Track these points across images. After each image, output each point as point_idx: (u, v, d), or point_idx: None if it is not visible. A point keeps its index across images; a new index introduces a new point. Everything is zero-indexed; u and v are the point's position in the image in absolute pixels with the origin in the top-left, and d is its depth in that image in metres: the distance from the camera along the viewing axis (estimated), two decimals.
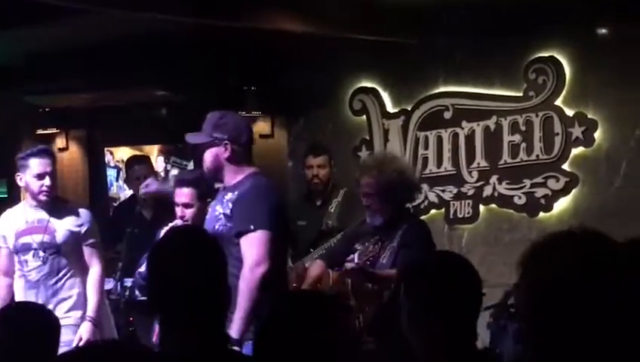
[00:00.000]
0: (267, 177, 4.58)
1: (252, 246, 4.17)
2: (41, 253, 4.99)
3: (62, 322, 4.80)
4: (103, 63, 7.19)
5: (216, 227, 4.30)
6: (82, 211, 5.16)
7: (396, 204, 4.77)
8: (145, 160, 7.01)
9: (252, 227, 4.19)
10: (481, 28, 6.52)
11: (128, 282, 5.29)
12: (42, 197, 4.96)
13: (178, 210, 4.68)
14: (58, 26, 6.31)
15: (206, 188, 4.66)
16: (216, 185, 4.71)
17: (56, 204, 5.06)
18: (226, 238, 4.12)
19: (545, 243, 1.85)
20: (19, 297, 5.04)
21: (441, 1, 6.47)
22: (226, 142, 4.35)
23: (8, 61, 7.63)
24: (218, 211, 4.33)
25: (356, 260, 4.65)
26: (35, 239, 4.99)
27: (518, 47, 6.45)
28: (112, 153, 8.25)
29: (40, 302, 4.89)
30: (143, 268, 4.65)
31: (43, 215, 5.01)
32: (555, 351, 1.73)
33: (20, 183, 5.03)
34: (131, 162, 6.92)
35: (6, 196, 8.17)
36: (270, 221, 4.25)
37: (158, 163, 8.06)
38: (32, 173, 4.92)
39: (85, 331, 4.93)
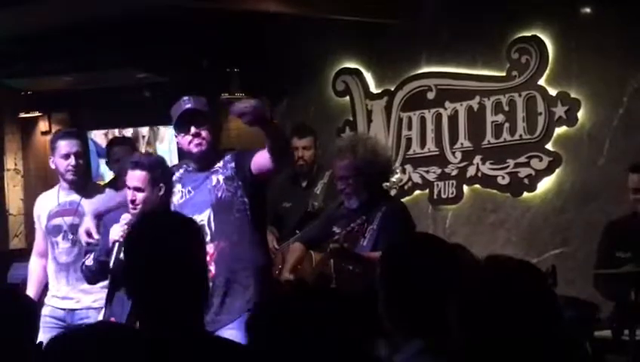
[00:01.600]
0: None
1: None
2: (71, 236, 5.01)
3: (92, 304, 4.89)
4: (85, 45, 7.16)
5: (220, 195, 4.32)
6: (108, 192, 5.16)
7: (371, 185, 4.76)
8: (126, 141, 6.98)
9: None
10: (464, 7, 6.52)
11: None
12: (68, 176, 5.01)
13: (129, 193, 4.45)
14: (38, 7, 6.26)
15: (160, 173, 4.56)
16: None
17: (87, 187, 5.11)
18: (234, 204, 4.28)
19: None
20: (51, 280, 5.08)
21: None
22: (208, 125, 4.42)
23: None
24: (215, 181, 4.33)
25: (341, 240, 4.66)
26: (66, 221, 5.03)
27: (500, 26, 6.45)
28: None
29: (70, 282, 4.96)
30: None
31: (75, 197, 5.05)
32: None
33: (52, 166, 5.09)
34: (112, 144, 6.90)
35: None
36: None
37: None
38: (59, 153, 5.00)
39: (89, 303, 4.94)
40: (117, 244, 4.36)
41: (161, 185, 4.49)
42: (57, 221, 5.08)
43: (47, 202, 5.16)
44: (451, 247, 2.61)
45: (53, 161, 5.06)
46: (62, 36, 7.06)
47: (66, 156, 4.99)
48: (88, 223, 4.59)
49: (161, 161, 4.66)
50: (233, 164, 4.35)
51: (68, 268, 5.04)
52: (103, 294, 4.89)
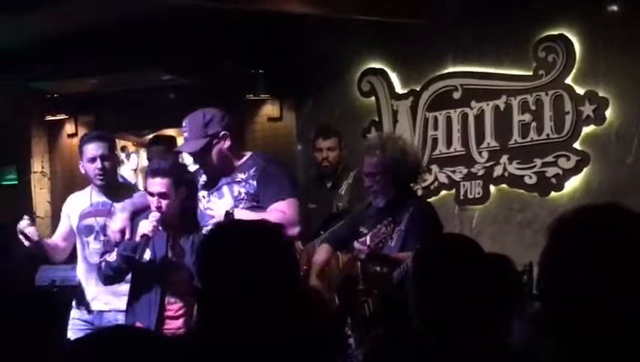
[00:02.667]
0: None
1: (285, 212, 4.29)
2: (102, 236, 4.96)
3: (121, 307, 4.80)
4: (110, 48, 7.18)
5: (240, 207, 4.32)
6: (139, 194, 5.07)
7: (399, 184, 4.73)
8: (163, 141, 6.98)
9: (282, 196, 4.34)
10: (490, 6, 6.48)
11: None
12: (97, 181, 4.98)
13: (153, 201, 4.44)
14: (64, 10, 6.29)
15: (181, 177, 4.56)
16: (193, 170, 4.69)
17: (120, 189, 5.06)
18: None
19: (576, 212, 1.85)
20: (81, 279, 5.04)
21: None
22: (223, 132, 4.40)
23: (15, 47, 7.62)
24: (236, 192, 4.33)
25: (368, 242, 4.62)
26: (99, 221, 4.99)
27: (527, 25, 6.40)
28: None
29: (99, 285, 4.89)
30: (111, 258, 4.57)
31: (108, 198, 5.03)
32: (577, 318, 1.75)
33: (82, 170, 5.07)
34: (151, 143, 6.95)
35: (16, 182, 8.21)
36: (295, 191, 4.46)
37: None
38: (86, 157, 4.98)
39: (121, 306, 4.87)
40: (145, 239, 4.37)
41: (183, 188, 4.49)
42: (89, 221, 5.05)
43: (80, 202, 5.13)
44: (479, 248, 2.59)
45: (82, 166, 5.05)
46: (87, 38, 7.08)
47: (92, 160, 4.96)
48: (124, 222, 4.58)
49: (180, 165, 4.67)
50: (255, 183, 4.35)
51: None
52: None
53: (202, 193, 4.52)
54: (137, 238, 4.39)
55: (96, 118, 8.37)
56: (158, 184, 4.43)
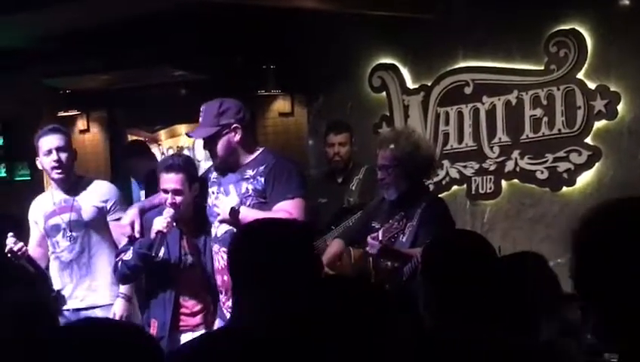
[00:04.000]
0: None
1: (290, 212, 4.25)
2: (70, 233, 4.94)
3: (97, 302, 4.86)
4: (122, 44, 7.20)
5: (247, 203, 4.32)
6: (107, 186, 5.11)
7: (412, 178, 4.73)
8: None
9: (290, 195, 4.29)
10: (501, 1, 6.46)
11: None
12: (55, 175, 4.91)
13: (167, 197, 4.42)
14: (76, 7, 6.30)
15: (193, 173, 4.54)
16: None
17: (80, 183, 5.02)
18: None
19: (598, 210, 1.87)
20: (55, 279, 5.01)
21: None
22: (235, 125, 4.38)
23: (27, 44, 7.65)
24: (244, 189, 4.33)
25: (380, 237, 4.62)
26: (64, 218, 4.95)
27: (538, 20, 6.39)
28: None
29: (74, 280, 4.92)
30: (127, 256, 4.55)
31: (67, 195, 4.98)
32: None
33: (39, 166, 5.02)
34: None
35: (29, 178, 8.23)
36: (304, 191, 4.39)
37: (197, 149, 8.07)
38: (42, 151, 4.90)
39: (119, 308, 4.85)
40: (160, 236, 4.37)
41: (196, 185, 4.50)
42: (55, 220, 5.00)
43: (42, 204, 5.08)
44: (488, 243, 2.59)
45: (39, 161, 4.96)
46: (99, 35, 7.11)
47: (48, 152, 4.87)
48: (134, 217, 4.58)
49: (191, 161, 4.67)
50: (263, 180, 4.34)
51: (71, 265, 4.97)
52: (109, 291, 4.91)
53: (212, 189, 4.52)
54: (152, 235, 4.39)
55: (108, 114, 8.40)
56: (173, 180, 4.42)
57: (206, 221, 4.53)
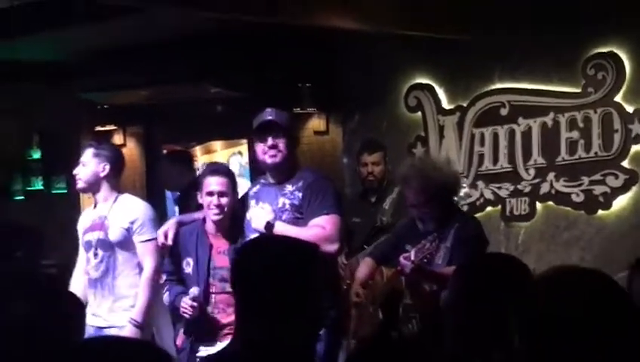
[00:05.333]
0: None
1: (325, 228, 4.27)
2: (98, 251, 4.96)
3: (116, 323, 4.84)
4: (160, 60, 7.27)
5: (283, 218, 4.33)
6: (137, 206, 5.05)
7: (443, 204, 4.73)
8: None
9: (325, 211, 4.32)
10: (538, 23, 6.44)
11: None
12: (78, 185, 5.05)
13: (212, 200, 4.47)
14: (116, 23, 6.38)
15: (235, 180, 4.59)
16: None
17: (115, 200, 5.02)
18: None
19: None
20: (80, 294, 4.93)
21: None
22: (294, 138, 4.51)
23: (67, 58, 7.75)
24: (281, 203, 4.35)
25: (412, 257, 4.61)
26: (94, 236, 4.99)
27: (576, 42, 6.35)
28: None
29: (97, 299, 4.94)
30: (165, 295, 4.65)
31: (103, 212, 4.99)
32: None
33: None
34: None
35: (65, 191, 8.32)
36: (340, 208, 4.43)
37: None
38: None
39: (126, 333, 4.77)
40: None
41: (237, 193, 4.57)
42: (88, 237, 5.05)
43: (84, 218, 5.14)
44: (524, 267, 2.56)
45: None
46: (138, 51, 7.18)
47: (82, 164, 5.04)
48: (169, 226, 4.62)
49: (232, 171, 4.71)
50: (301, 195, 4.35)
51: (96, 284, 4.98)
52: (127, 314, 4.91)
53: (251, 202, 4.54)
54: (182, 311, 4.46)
55: (144, 130, 8.47)
56: (219, 183, 4.49)
57: (241, 234, 4.55)
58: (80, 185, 5.06)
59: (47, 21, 6.34)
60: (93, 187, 5.04)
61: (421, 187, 4.66)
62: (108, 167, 5.01)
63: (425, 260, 4.58)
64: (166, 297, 4.61)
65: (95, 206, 5.07)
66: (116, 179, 5.08)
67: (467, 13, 6.45)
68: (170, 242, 4.57)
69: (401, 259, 4.64)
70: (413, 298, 4.77)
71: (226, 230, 4.56)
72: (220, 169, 4.61)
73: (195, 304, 4.41)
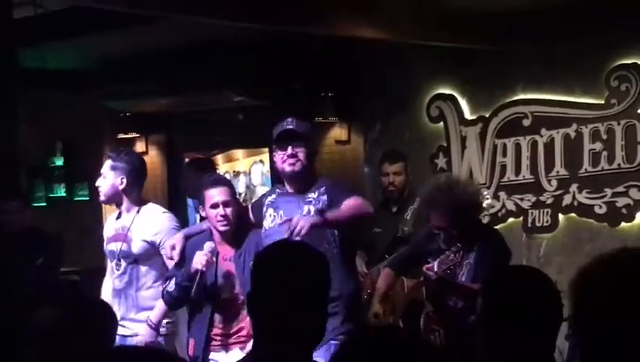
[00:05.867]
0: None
1: (357, 202, 4.28)
2: (121, 262, 4.93)
3: (140, 331, 4.80)
4: (182, 69, 7.30)
5: None
6: (161, 218, 4.98)
7: (468, 224, 4.75)
8: None
9: (351, 194, 4.33)
10: (562, 34, 6.42)
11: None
12: (100, 197, 5.02)
13: (218, 211, 4.48)
14: (138, 32, 6.41)
15: (234, 189, 4.61)
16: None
17: (139, 210, 4.96)
18: (323, 236, 4.25)
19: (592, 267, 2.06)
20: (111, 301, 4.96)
21: (520, 7, 6.39)
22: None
23: (90, 66, 7.80)
24: (306, 211, 4.34)
25: (435, 268, 4.60)
26: (117, 247, 4.95)
27: (599, 53, 6.32)
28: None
29: (121, 309, 4.89)
30: (170, 286, 4.59)
31: (127, 222, 4.94)
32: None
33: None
34: None
35: (88, 198, 8.35)
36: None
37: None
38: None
39: (143, 332, 4.80)
40: (199, 273, 4.41)
41: (239, 200, 4.57)
42: (111, 246, 5.01)
43: (109, 226, 5.10)
44: (550, 280, 2.55)
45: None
46: (160, 59, 7.21)
47: (102, 177, 4.99)
48: (176, 240, 4.61)
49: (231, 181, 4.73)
50: (325, 198, 4.35)
51: (120, 294, 4.96)
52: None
53: (269, 212, 4.53)
54: (192, 269, 4.44)
55: (166, 138, 8.49)
56: (221, 193, 4.50)
57: (244, 238, 4.56)
58: (101, 197, 5.05)
59: (71, 29, 6.38)
60: (113, 199, 5.01)
61: (449, 211, 4.66)
62: (125, 180, 4.94)
63: (448, 271, 4.57)
64: (172, 284, 4.58)
65: (119, 215, 5.04)
66: (137, 189, 5.00)
67: (490, 24, 6.43)
68: (176, 258, 4.58)
69: (424, 269, 4.63)
70: (437, 312, 4.76)
71: (230, 237, 4.58)
72: (219, 179, 4.64)
73: (209, 255, 4.42)
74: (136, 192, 4.99)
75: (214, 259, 4.48)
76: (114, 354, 1.85)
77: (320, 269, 2.41)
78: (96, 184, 5.02)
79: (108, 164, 4.99)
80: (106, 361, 1.81)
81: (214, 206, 4.51)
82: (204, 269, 4.40)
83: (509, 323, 2.40)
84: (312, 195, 4.39)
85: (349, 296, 4.34)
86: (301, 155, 4.37)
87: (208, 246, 4.46)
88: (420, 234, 5.30)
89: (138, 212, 4.96)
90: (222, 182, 4.60)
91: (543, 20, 6.44)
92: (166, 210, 5.15)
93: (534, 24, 6.52)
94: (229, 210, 4.50)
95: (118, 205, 5.03)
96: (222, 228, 4.51)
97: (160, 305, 4.78)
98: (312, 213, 4.33)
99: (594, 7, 6.12)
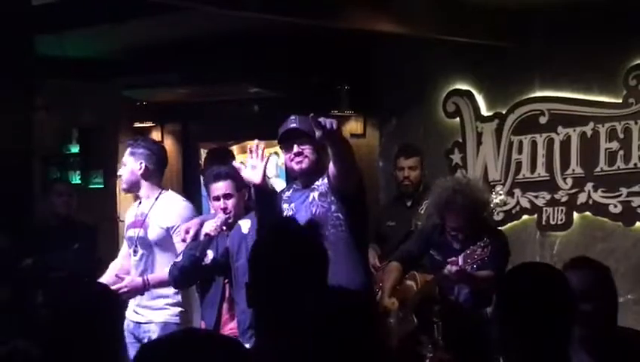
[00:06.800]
0: None
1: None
2: (138, 248, 4.97)
3: (160, 319, 4.89)
4: (199, 59, 7.30)
5: (315, 212, 4.32)
6: (178, 205, 5.01)
7: (479, 222, 4.94)
8: None
9: None
10: (580, 32, 6.39)
11: None
12: (122, 185, 5.06)
13: (219, 204, 4.63)
14: (156, 21, 6.42)
15: (240, 179, 4.62)
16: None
17: (159, 197, 4.99)
18: (328, 219, 4.25)
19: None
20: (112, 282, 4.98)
21: (538, 4, 6.37)
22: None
23: (107, 55, 7.82)
24: (311, 198, 4.34)
25: (460, 263, 4.65)
26: (135, 233, 4.99)
27: (618, 52, 6.30)
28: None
29: (136, 298, 4.95)
30: (178, 258, 4.65)
31: (146, 208, 4.97)
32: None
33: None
34: None
35: (102, 186, 8.39)
36: None
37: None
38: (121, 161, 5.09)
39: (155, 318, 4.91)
40: (207, 238, 4.49)
41: (245, 190, 4.62)
42: (130, 233, 5.06)
43: (129, 213, 5.15)
44: (564, 277, 2.57)
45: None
46: (176, 49, 7.22)
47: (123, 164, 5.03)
48: (192, 225, 4.66)
49: (236, 169, 4.71)
50: (326, 180, 4.35)
51: None
52: (166, 311, 4.95)
53: (284, 206, 4.53)
54: (201, 237, 4.55)
55: (182, 127, 8.51)
56: (222, 187, 4.66)
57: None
58: (123, 186, 5.06)
59: (91, 18, 6.39)
60: (135, 186, 5.03)
61: (467, 212, 4.84)
62: (144, 165, 4.98)
63: (474, 266, 4.63)
64: (180, 256, 4.63)
65: (140, 202, 5.08)
66: (157, 175, 5.04)
67: (508, 20, 6.41)
68: (189, 239, 4.63)
69: (449, 267, 4.67)
70: (442, 305, 4.82)
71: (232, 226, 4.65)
72: (221, 173, 4.70)
73: (221, 223, 4.52)
74: (155, 179, 5.04)
75: (224, 229, 4.56)
76: (174, 339, 1.84)
77: (315, 254, 2.43)
78: (118, 173, 5.05)
79: (127, 151, 5.03)
80: (166, 348, 1.80)
81: (216, 198, 4.68)
82: (213, 234, 4.50)
83: (524, 318, 2.42)
84: (317, 183, 4.40)
85: (359, 287, 4.31)
86: (307, 152, 4.36)
87: (220, 217, 4.58)
88: (426, 228, 5.34)
89: (157, 198, 4.99)
90: (222, 176, 4.69)
91: (561, 17, 6.42)
92: (185, 200, 5.17)
93: (552, 21, 6.49)
94: (230, 202, 4.64)
95: (138, 193, 5.05)
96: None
97: (163, 275, 4.82)
98: (316, 198, 4.33)
99: (613, 6, 6.09)
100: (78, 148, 8.55)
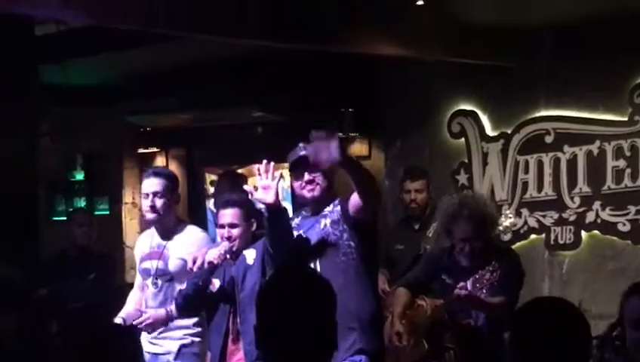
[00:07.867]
0: None
1: None
2: (157, 280, 4.91)
3: (172, 349, 4.86)
4: (202, 84, 7.31)
5: (326, 239, 4.29)
6: (196, 236, 4.96)
7: (488, 237, 4.88)
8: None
9: None
10: (585, 50, 6.38)
11: None
12: (147, 215, 4.89)
13: (224, 232, 4.58)
14: (159, 48, 6.42)
15: (250, 209, 4.61)
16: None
17: (177, 229, 4.93)
18: (340, 247, 4.23)
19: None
20: (129, 316, 4.93)
21: (542, 23, 6.36)
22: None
23: (111, 82, 7.83)
24: (323, 225, 4.31)
25: (469, 287, 4.61)
26: (153, 265, 4.92)
27: (623, 70, 6.29)
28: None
29: (156, 331, 4.89)
30: (183, 286, 4.63)
31: (163, 240, 4.91)
32: None
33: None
34: None
35: (108, 213, 8.38)
36: None
37: None
38: (142, 193, 4.92)
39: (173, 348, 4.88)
40: (210, 266, 4.47)
41: (253, 220, 4.58)
42: (146, 264, 4.98)
43: (142, 244, 5.06)
44: (579, 312, 2.54)
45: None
46: (180, 75, 7.23)
47: (146, 196, 4.85)
48: (198, 253, 4.62)
49: (249, 199, 4.68)
50: (339, 208, 4.32)
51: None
52: (193, 339, 4.92)
53: (295, 233, 4.51)
54: (206, 262, 4.51)
55: (186, 152, 8.51)
56: (229, 215, 4.60)
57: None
58: (150, 215, 4.88)
59: (92, 46, 6.40)
60: (166, 217, 4.92)
61: (474, 222, 4.77)
62: (176, 196, 4.96)
63: (484, 290, 4.58)
64: (184, 285, 4.61)
65: (156, 233, 4.99)
66: (175, 207, 5.00)
67: (512, 40, 6.41)
68: (196, 268, 4.60)
69: (457, 291, 4.63)
70: (452, 330, 4.78)
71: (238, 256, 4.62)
72: (229, 201, 4.65)
73: (225, 251, 4.49)
74: (174, 210, 5.00)
75: (228, 257, 4.52)
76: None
77: (324, 295, 2.41)
78: (149, 204, 4.85)
79: (156, 180, 4.87)
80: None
81: (221, 226, 4.64)
82: (216, 263, 4.46)
83: (539, 352, 2.39)
84: (328, 209, 4.36)
85: (369, 314, 4.29)
86: (319, 179, 4.33)
87: (225, 245, 4.53)
88: (435, 251, 5.30)
89: (176, 230, 4.94)
90: (231, 203, 4.62)
91: (565, 36, 6.41)
92: (204, 231, 5.14)
93: (556, 40, 6.49)
94: (235, 231, 4.59)
95: (160, 222, 4.94)
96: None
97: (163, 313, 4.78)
98: (328, 225, 4.30)
99: (617, 24, 6.08)
100: (83, 174, 8.55)
